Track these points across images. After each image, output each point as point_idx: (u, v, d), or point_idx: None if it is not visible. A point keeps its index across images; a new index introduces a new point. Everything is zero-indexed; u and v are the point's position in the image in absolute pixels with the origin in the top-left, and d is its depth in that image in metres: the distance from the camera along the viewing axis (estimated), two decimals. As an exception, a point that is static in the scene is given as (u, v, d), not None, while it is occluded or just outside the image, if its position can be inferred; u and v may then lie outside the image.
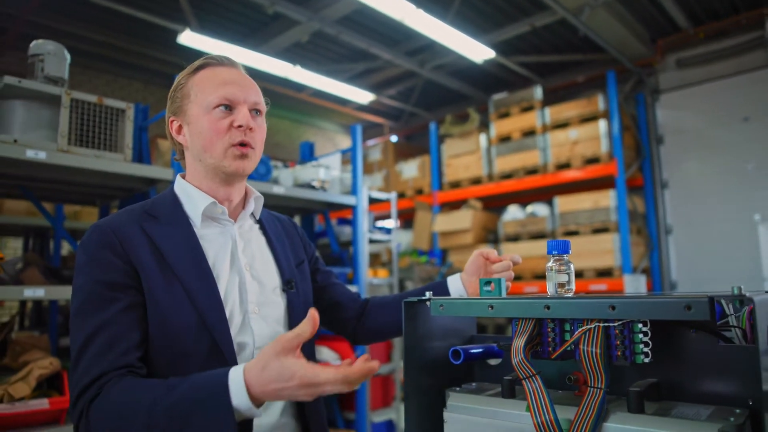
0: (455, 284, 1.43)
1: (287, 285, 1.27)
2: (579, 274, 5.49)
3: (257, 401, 0.91)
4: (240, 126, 1.16)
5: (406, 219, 8.25)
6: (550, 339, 0.98)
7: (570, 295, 1.02)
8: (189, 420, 0.90)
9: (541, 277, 5.70)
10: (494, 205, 6.87)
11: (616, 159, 5.35)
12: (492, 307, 1.00)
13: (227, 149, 1.15)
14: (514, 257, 1.39)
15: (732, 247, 5.42)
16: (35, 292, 2.24)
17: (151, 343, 1.07)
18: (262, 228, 1.34)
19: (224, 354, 1.09)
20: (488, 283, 1.15)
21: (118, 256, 1.07)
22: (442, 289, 1.44)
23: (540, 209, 6.06)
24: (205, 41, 5.56)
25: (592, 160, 5.58)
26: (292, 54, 6.55)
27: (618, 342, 0.91)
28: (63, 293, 2.43)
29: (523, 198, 6.58)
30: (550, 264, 1.03)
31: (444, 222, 6.55)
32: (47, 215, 2.77)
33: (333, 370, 0.89)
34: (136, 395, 0.95)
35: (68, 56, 2.54)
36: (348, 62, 7.02)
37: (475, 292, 1.38)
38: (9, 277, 2.48)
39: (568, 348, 0.95)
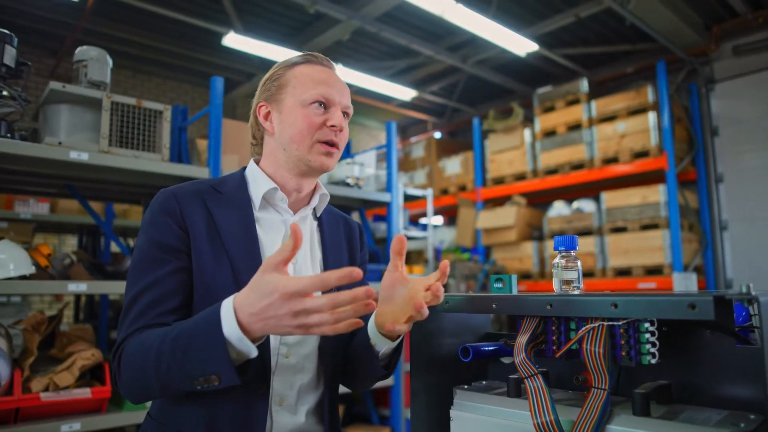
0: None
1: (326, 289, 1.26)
2: (627, 272, 5.31)
3: (248, 331, 0.90)
4: (333, 126, 1.19)
5: (450, 216, 8.19)
6: (554, 337, 0.95)
7: (576, 292, 0.99)
8: (188, 349, 0.94)
9: (588, 275, 5.55)
10: (539, 201, 6.73)
11: (666, 152, 5.14)
12: (495, 304, 0.98)
13: (314, 144, 1.18)
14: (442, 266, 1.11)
15: (793, 244, 5.12)
16: (79, 287, 2.35)
17: (194, 308, 1.12)
18: (320, 226, 1.34)
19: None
20: (499, 280, 1.13)
21: (175, 221, 1.12)
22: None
23: (586, 205, 5.89)
24: (249, 42, 5.68)
25: (641, 154, 5.37)
26: (334, 52, 6.60)
27: (623, 342, 0.87)
28: (105, 288, 2.54)
29: (569, 194, 6.41)
30: (557, 260, 1.00)
31: (487, 218, 6.46)
32: (93, 214, 2.90)
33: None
34: (153, 335, 1.01)
35: (110, 61, 2.65)
36: (390, 59, 7.02)
37: (384, 322, 1.09)
38: (57, 272, 2.61)
39: (573, 347, 0.92)
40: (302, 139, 1.18)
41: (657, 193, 5.17)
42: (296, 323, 0.86)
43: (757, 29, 5.53)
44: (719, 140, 5.79)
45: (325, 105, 1.19)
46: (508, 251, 6.42)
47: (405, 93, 7.52)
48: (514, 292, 1.12)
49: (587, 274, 5.56)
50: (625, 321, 0.86)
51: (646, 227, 5.25)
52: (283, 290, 0.85)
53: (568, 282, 0.98)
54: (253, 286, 0.89)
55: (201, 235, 1.12)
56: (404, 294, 1.03)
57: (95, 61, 2.57)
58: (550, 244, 5.96)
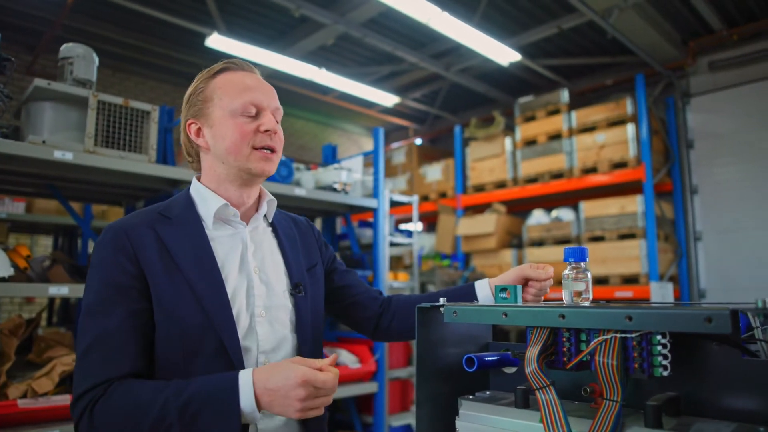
0: (484, 290, 1.40)
1: (295, 289, 1.27)
2: (604, 281, 5.39)
3: (259, 403, 0.97)
4: (267, 131, 1.19)
5: (430, 222, 8.21)
6: (565, 349, 0.95)
7: (587, 303, 0.99)
8: (199, 415, 0.96)
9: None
10: (519, 209, 6.80)
11: (644, 163, 5.24)
12: (506, 314, 0.98)
13: (252, 152, 1.18)
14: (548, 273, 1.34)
15: (765, 255, 5.25)
16: (60, 290, 2.29)
17: (158, 343, 1.09)
18: (275, 230, 1.35)
19: (230, 355, 1.10)
20: (504, 290, 1.13)
21: (128, 258, 1.10)
22: (469, 293, 1.41)
23: (565, 214, 5.97)
24: (232, 44, 5.63)
25: (620, 165, 5.47)
26: (318, 57, 6.58)
27: (635, 354, 0.87)
28: (87, 291, 2.47)
29: (549, 202, 6.49)
30: (566, 272, 1.01)
31: (467, 226, 6.50)
32: (74, 214, 2.83)
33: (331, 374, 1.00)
34: (145, 396, 0.99)
35: (96, 59, 2.60)
36: (373, 65, 7.03)
37: None
38: (36, 275, 2.54)
39: (584, 359, 0.92)
40: (238, 150, 1.17)
41: (634, 204, 5.26)
42: (302, 406, 0.97)
43: (732, 46, 5.69)
44: (694, 153, 5.93)
45: (255, 111, 1.19)
46: (487, 258, 6.47)
47: (388, 99, 7.54)
48: (520, 302, 1.12)
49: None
50: (638, 333, 0.86)
51: (623, 237, 5.34)
52: (304, 376, 0.97)
53: (578, 293, 0.99)
54: (280, 366, 0.99)
55: (157, 267, 1.10)
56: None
57: (81, 58, 2.51)
58: (529, 252, 6.02)
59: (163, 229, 1.16)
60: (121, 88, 7.14)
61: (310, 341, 1.26)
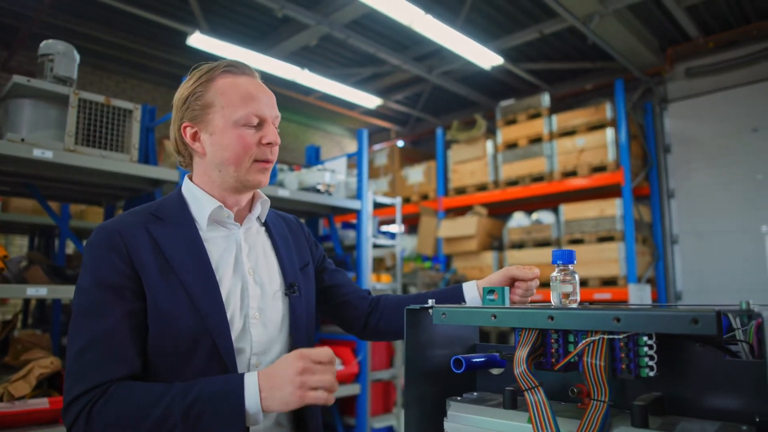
0: (471, 292, 1.42)
1: (290, 289, 1.28)
2: (584, 283, 5.46)
3: (262, 401, 0.97)
4: (269, 143, 1.18)
5: (411, 224, 8.23)
6: (553, 350, 0.97)
7: (574, 305, 1.01)
8: (202, 415, 0.95)
9: (546, 285, 5.66)
10: (500, 211, 6.85)
11: (622, 168, 5.32)
12: (495, 316, 0.99)
13: (252, 164, 1.17)
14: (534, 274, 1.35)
15: (739, 259, 5.37)
16: (38, 291, 2.25)
17: (152, 344, 1.08)
18: (268, 230, 1.35)
19: (223, 357, 1.10)
20: (491, 291, 1.14)
21: (121, 258, 1.08)
22: (457, 295, 1.42)
23: (545, 217, 6.03)
24: (214, 43, 5.58)
25: (599, 169, 5.55)
26: (301, 57, 6.56)
27: (623, 355, 0.89)
28: (66, 292, 2.43)
29: (529, 205, 6.55)
30: (554, 274, 1.02)
31: (449, 228, 6.53)
32: (52, 214, 2.78)
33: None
34: (147, 397, 0.98)
35: (77, 57, 2.56)
36: (356, 66, 7.03)
37: None
38: (12, 275, 2.48)
39: (572, 360, 0.94)
40: (239, 161, 1.16)
41: (613, 207, 5.35)
42: (300, 381, 0.96)
43: (708, 53, 5.81)
44: (671, 157, 6.04)
45: (257, 122, 1.17)
46: (468, 260, 6.50)
47: (370, 101, 7.54)
48: (507, 304, 1.13)
49: (545, 284, 5.66)
50: (625, 335, 0.88)
51: (602, 239, 5.42)
52: (301, 353, 0.98)
53: (566, 295, 1.00)
54: (280, 359, 1.01)
55: (151, 268, 1.09)
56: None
57: (62, 55, 2.47)
58: (509, 254, 6.07)
59: (157, 229, 1.14)
60: (101, 86, 7.03)
61: (304, 341, 1.26)
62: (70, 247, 4.79)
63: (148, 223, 1.15)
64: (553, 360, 0.96)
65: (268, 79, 6.75)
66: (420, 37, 5.78)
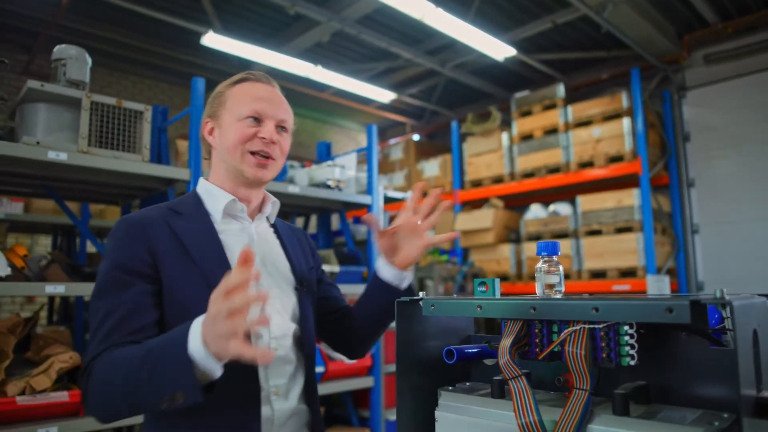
0: (386, 270, 1.40)
1: (299, 284, 1.34)
2: (602, 275, 5.41)
3: (209, 348, 0.93)
4: (263, 137, 1.27)
5: (428, 218, 8.22)
6: (537, 340, 0.98)
7: (558, 296, 1.02)
8: (156, 367, 0.96)
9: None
10: (516, 203, 6.82)
11: (640, 157, 5.25)
12: (480, 307, 1.01)
13: (245, 154, 1.27)
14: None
15: (761, 247, 5.27)
16: (56, 288, 2.32)
17: (168, 327, 1.13)
18: (277, 232, 1.42)
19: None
20: (482, 283, 1.16)
21: (141, 246, 1.16)
22: (377, 284, 1.41)
23: (562, 208, 5.99)
24: (227, 43, 5.64)
25: (616, 159, 5.49)
26: (314, 54, 6.60)
27: (603, 344, 0.90)
28: (83, 290, 2.50)
29: (546, 197, 6.51)
30: (539, 265, 1.04)
31: (465, 221, 6.53)
32: (70, 214, 2.86)
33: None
34: (123, 353, 1.04)
35: (89, 60, 2.62)
36: (369, 62, 7.04)
37: (406, 261, 1.37)
38: (33, 274, 2.57)
39: (555, 349, 0.95)
40: (234, 150, 1.26)
41: (631, 197, 5.28)
42: (216, 331, 0.90)
43: (726, 39, 5.69)
44: (691, 146, 5.94)
45: (258, 119, 1.28)
46: (485, 253, 6.49)
47: (384, 95, 7.55)
48: (497, 295, 1.15)
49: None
50: (605, 324, 0.89)
51: (620, 230, 5.36)
52: (216, 292, 0.90)
53: (550, 286, 1.01)
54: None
55: (169, 255, 1.17)
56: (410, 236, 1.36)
57: (74, 59, 2.54)
58: (527, 247, 6.04)
59: (175, 221, 1.23)
60: (119, 88, 7.16)
61: (311, 336, 1.33)
62: (91, 246, 4.91)
63: (167, 216, 1.23)
64: (538, 350, 0.98)
65: (283, 77, 6.80)
66: (432, 31, 5.77)
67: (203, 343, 0.93)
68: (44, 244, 6.37)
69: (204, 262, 1.18)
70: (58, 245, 4.80)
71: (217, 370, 0.96)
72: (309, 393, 1.31)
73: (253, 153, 1.27)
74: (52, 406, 2.28)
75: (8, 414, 2.19)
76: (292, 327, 1.29)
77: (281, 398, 1.23)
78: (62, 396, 2.29)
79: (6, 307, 5.98)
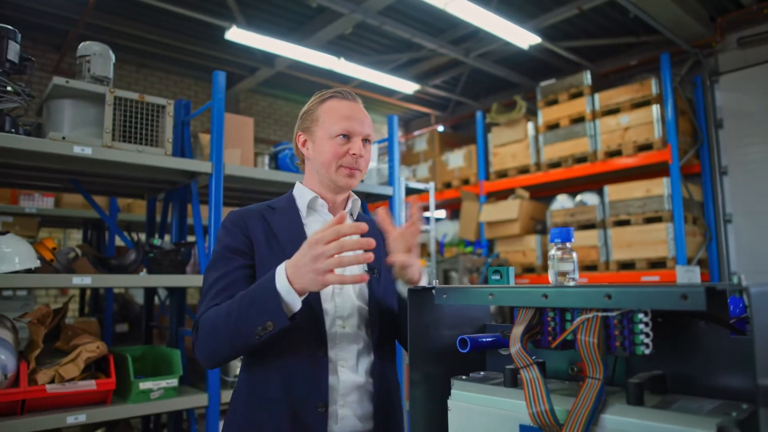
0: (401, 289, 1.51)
1: (370, 270, 1.49)
2: (630, 265, 5.31)
3: (293, 285, 1.19)
4: (353, 154, 1.46)
5: (453, 209, 8.19)
6: (550, 328, 0.96)
7: (572, 284, 1.00)
8: (251, 304, 1.22)
9: (591, 267, 5.55)
10: (542, 194, 6.73)
11: (670, 145, 5.12)
12: (492, 295, 0.99)
13: (339, 168, 1.47)
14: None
15: (798, 237, 5.10)
16: (83, 280, 2.37)
17: None
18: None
19: (315, 314, 1.37)
20: (496, 272, 1.14)
21: (242, 232, 1.44)
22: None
23: (590, 198, 5.88)
24: (251, 37, 5.68)
25: (645, 147, 5.36)
26: (337, 46, 6.60)
27: (617, 332, 0.88)
28: (109, 282, 2.56)
29: (572, 187, 6.40)
30: (552, 252, 1.01)
31: (490, 212, 6.47)
32: (97, 208, 2.92)
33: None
34: (225, 304, 1.30)
35: (113, 56, 2.66)
36: (392, 53, 7.01)
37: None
38: (62, 266, 2.63)
39: (568, 337, 0.93)
40: (329, 165, 1.47)
41: (661, 186, 5.16)
42: (316, 267, 1.15)
43: (762, 20, 5.49)
44: (724, 133, 5.76)
45: (347, 136, 1.47)
46: (511, 244, 6.42)
47: (408, 86, 7.51)
48: (511, 283, 1.13)
49: (591, 267, 5.56)
50: (618, 312, 0.87)
51: (649, 220, 5.24)
52: (308, 240, 1.19)
53: (563, 273, 0.99)
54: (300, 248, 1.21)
55: (261, 240, 1.44)
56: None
57: (98, 56, 2.58)
58: (553, 238, 5.95)
59: (270, 215, 1.49)
60: (146, 84, 7.28)
61: (382, 318, 1.47)
62: (120, 240, 5.02)
63: (264, 211, 1.49)
64: (550, 338, 0.96)
65: (306, 69, 6.83)
66: (455, 20, 5.71)
67: (288, 280, 1.19)
68: (76, 238, 6.54)
69: (288, 246, 1.39)
70: (88, 239, 4.91)
71: (296, 303, 1.21)
72: (380, 370, 1.44)
73: (343, 167, 1.47)
74: (81, 395, 2.34)
75: (38, 402, 2.26)
76: (359, 308, 1.44)
77: (348, 371, 1.39)
78: (90, 384, 2.35)
79: (40, 299, 6.17)
